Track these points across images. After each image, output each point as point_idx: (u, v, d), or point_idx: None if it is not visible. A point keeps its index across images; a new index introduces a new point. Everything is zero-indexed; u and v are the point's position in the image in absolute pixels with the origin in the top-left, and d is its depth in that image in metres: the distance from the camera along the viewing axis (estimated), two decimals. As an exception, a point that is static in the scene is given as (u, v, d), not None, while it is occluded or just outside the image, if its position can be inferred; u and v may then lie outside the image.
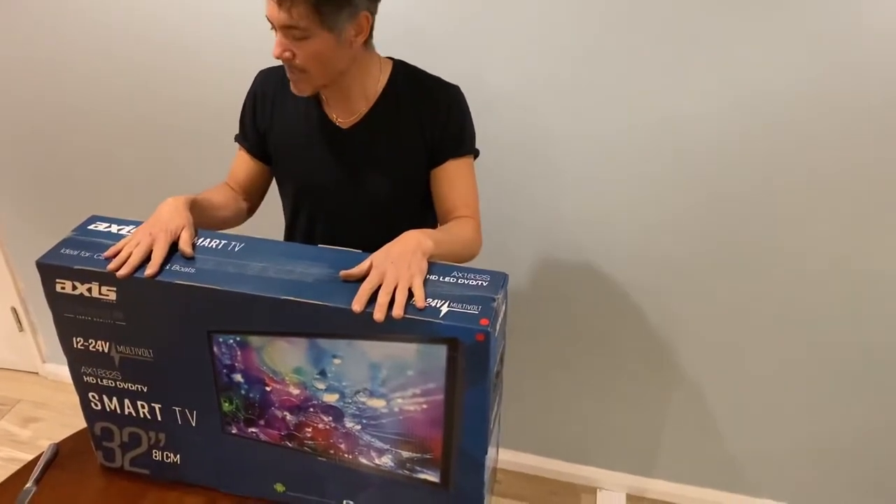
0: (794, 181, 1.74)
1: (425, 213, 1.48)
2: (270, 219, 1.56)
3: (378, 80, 1.37)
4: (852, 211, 1.74)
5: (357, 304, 0.98)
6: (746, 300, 1.91)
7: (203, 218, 1.28)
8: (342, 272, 1.04)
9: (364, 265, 1.05)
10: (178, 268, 1.05)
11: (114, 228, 1.15)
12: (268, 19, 1.22)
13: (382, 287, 1.01)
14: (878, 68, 1.59)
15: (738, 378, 2.02)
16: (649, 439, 2.18)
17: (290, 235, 1.54)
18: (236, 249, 1.11)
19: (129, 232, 1.14)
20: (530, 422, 2.26)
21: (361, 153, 1.39)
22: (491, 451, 1.10)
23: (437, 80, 1.40)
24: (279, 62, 1.27)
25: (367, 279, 1.02)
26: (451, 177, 1.39)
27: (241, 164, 1.48)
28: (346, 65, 1.30)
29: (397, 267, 1.04)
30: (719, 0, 1.60)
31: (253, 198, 1.51)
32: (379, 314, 0.97)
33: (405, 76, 1.39)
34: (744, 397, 2.04)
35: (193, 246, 1.11)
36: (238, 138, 1.49)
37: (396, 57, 1.42)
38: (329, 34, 1.21)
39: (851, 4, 1.54)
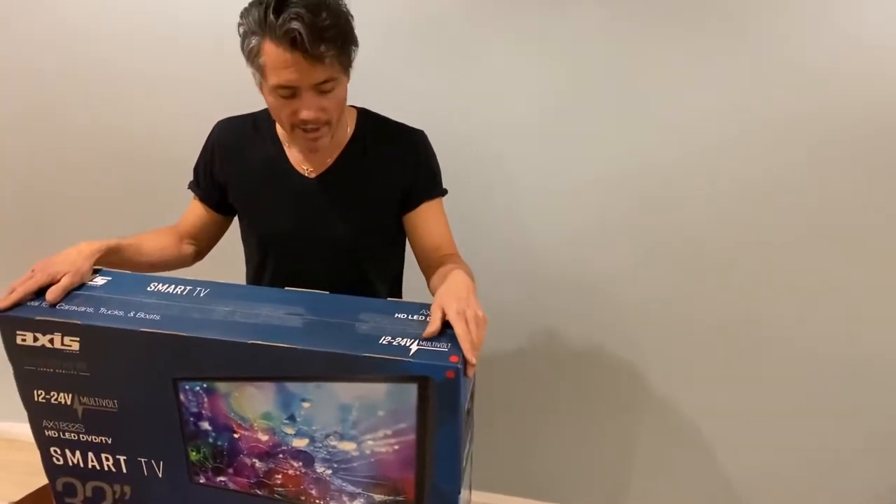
0: (759, 212, 1.81)
1: (390, 255, 1.50)
2: (233, 265, 1.55)
3: (346, 129, 1.39)
4: (819, 233, 1.82)
5: (473, 357, 0.97)
6: (713, 331, 1.95)
7: (130, 263, 1.27)
8: (427, 332, 1.00)
9: (438, 318, 1.02)
10: (142, 315, 1.04)
11: (75, 278, 1.13)
12: (283, 87, 1.18)
13: (474, 329, 0.99)
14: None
15: (706, 404, 2.05)
16: (617, 472, 2.19)
17: (255, 282, 1.52)
18: (201, 295, 1.10)
19: (89, 280, 1.12)
20: (497, 460, 2.24)
21: (329, 202, 1.39)
22: (464, 492, 1.10)
23: (403, 127, 1.42)
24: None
25: (461, 330, 0.99)
26: (428, 218, 1.41)
27: (193, 211, 1.48)
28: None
29: (471, 306, 1.04)
30: (680, 49, 1.68)
31: (202, 243, 1.50)
32: (475, 357, 0.97)
33: (372, 124, 1.42)
34: (713, 423, 2.07)
35: (69, 294, 1.08)
36: (191, 185, 1.49)
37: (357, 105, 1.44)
38: (346, 77, 1.24)
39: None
